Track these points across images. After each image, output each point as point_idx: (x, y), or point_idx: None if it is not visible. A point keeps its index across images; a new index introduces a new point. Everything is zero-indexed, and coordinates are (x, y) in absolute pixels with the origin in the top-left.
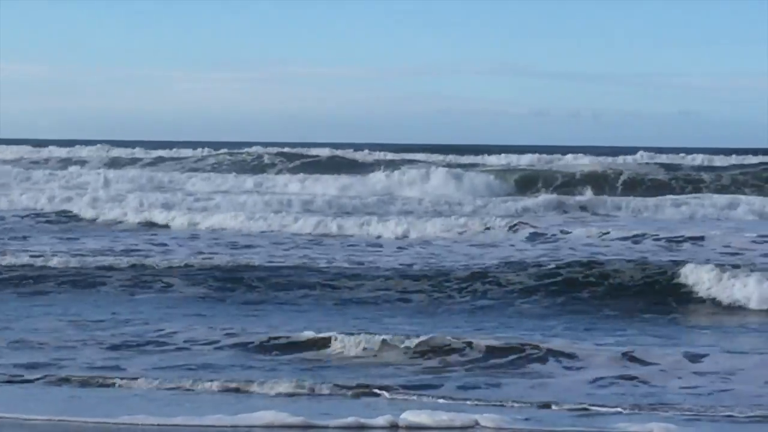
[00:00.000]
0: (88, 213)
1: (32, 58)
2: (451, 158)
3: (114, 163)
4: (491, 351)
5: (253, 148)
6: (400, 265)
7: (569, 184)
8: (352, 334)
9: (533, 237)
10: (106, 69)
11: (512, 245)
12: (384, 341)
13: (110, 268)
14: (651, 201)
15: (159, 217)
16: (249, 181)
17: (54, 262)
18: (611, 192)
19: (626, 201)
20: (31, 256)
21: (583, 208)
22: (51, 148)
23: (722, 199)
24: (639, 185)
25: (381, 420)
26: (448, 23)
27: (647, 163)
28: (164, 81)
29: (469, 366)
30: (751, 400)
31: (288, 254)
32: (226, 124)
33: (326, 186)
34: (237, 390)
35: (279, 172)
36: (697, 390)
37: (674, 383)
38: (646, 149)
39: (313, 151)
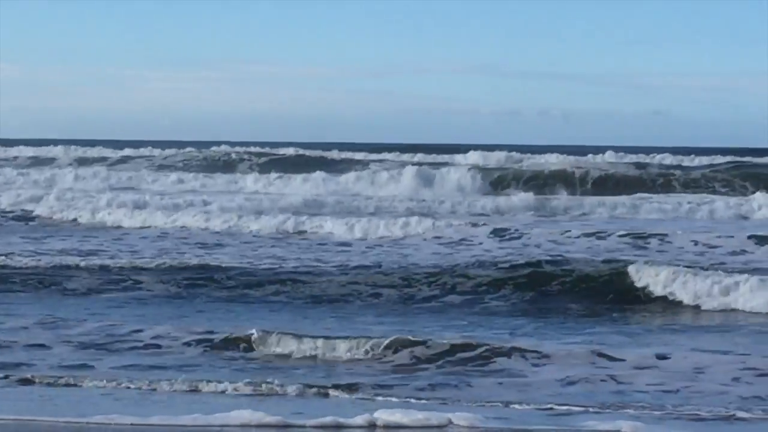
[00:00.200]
0: (55, 212)
1: (1, 58)
2: (421, 157)
3: (82, 163)
4: (460, 350)
5: (221, 147)
6: (370, 263)
7: (538, 182)
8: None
9: (499, 235)
10: (74, 68)
11: (479, 243)
12: (353, 342)
13: (77, 267)
14: (619, 199)
15: (126, 216)
16: (216, 180)
17: (20, 261)
18: (580, 191)
19: (594, 199)
20: None
21: (550, 206)
22: (20, 147)
23: (689, 198)
24: (607, 184)
25: (359, 419)
26: (419, 23)
27: (616, 162)
28: (133, 80)
29: (439, 366)
30: (716, 398)
31: (256, 254)
32: (194, 123)
33: (294, 185)
34: (196, 390)
35: (246, 171)
36: (664, 387)
37: (641, 381)
38: (616, 148)
39: (282, 151)
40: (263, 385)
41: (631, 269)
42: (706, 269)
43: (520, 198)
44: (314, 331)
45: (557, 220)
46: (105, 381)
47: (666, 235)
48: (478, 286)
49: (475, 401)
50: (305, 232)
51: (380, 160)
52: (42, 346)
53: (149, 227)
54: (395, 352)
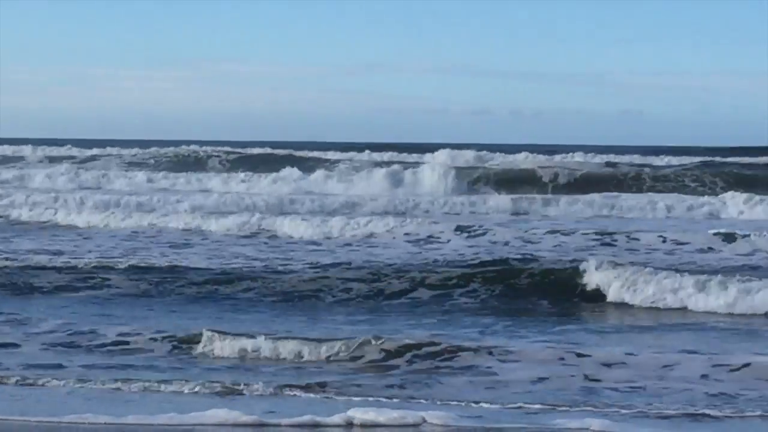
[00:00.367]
0: (23, 212)
1: None
2: (392, 155)
3: (51, 161)
4: (429, 349)
5: (191, 146)
6: (338, 261)
7: (508, 181)
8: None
9: (467, 233)
10: (44, 67)
11: (447, 241)
12: (323, 342)
13: (44, 267)
14: (589, 198)
15: (94, 215)
16: (184, 178)
17: None
18: (550, 189)
19: (563, 198)
20: None
21: (519, 204)
22: None
23: (660, 196)
24: (577, 182)
25: (336, 418)
26: (391, 22)
27: (586, 162)
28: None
29: (408, 365)
30: (685, 396)
31: (223, 253)
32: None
33: (262, 184)
34: (166, 390)
35: (216, 169)
36: (632, 385)
37: (610, 379)
38: (587, 147)
39: (254, 150)
40: (233, 385)
41: (588, 267)
42: (674, 269)
43: (489, 197)
44: (282, 330)
45: (526, 218)
46: (74, 380)
47: (635, 233)
48: (447, 283)
49: (445, 400)
50: (273, 231)
51: (350, 159)
52: (11, 344)
53: (117, 227)
54: (365, 351)
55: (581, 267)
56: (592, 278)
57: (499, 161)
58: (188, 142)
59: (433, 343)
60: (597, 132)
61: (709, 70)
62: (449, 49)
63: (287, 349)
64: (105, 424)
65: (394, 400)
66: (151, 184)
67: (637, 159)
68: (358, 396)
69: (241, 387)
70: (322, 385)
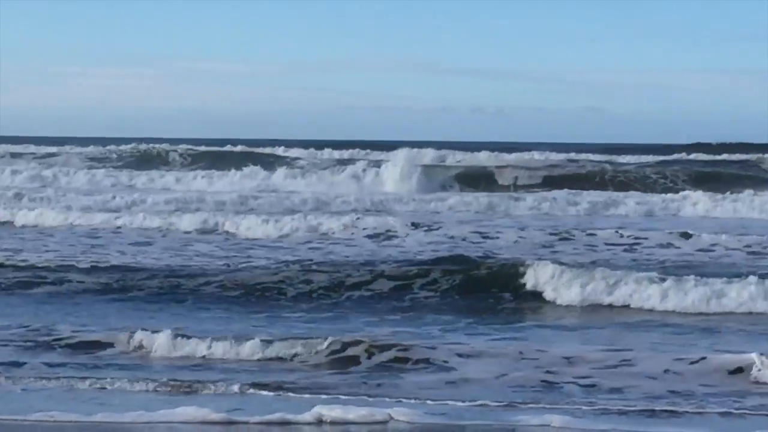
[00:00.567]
0: None
1: None
2: (354, 153)
3: (12, 158)
4: (390, 347)
5: (153, 144)
6: (297, 259)
7: (469, 178)
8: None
9: (425, 230)
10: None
11: (405, 236)
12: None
13: (2, 265)
14: (550, 194)
15: (52, 214)
16: (147, 176)
17: None
18: (512, 186)
19: (524, 195)
20: None
21: (480, 202)
22: None
23: (620, 193)
24: (538, 179)
25: (307, 416)
26: (354, 19)
27: (546, 159)
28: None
29: (370, 363)
30: (645, 392)
31: (181, 252)
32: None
33: (226, 182)
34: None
35: (178, 167)
36: (592, 381)
37: (570, 376)
38: (549, 145)
39: (215, 147)
40: (197, 383)
41: (534, 266)
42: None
43: (450, 194)
44: (243, 328)
45: (487, 215)
46: (33, 378)
47: (594, 229)
48: (407, 279)
49: (409, 397)
50: (231, 229)
51: (312, 157)
52: None
53: (77, 224)
54: (326, 350)
55: (524, 265)
56: (537, 277)
57: (460, 158)
58: (150, 140)
59: (395, 345)
60: (558, 129)
61: (670, 68)
62: (412, 46)
63: (247, 348)
64: (72, 422)
65: (359, 397)
66: (112, 179)
67: (599, 156)
68: (322, 394)
69: (206, 385)
70: (286, 384)
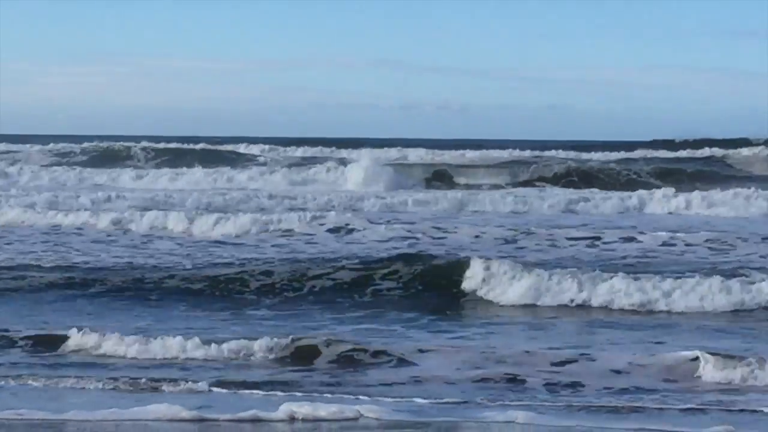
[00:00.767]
0: None
1: None
2: (318, 150)
3: None
4: (354, 345)
5: (115, 142)
6: (260, 257)
7: (433, 175)
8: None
9: (383, 226)
10: None
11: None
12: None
13: None
14: (514, 191)
15: (12, 212)
16: (108, 174)
17: None
18: (474, 184)
19: (487, 192)
20: None
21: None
22: None
23: (584, 191)
24: (503, 176)
25: (279, 413)
26: (320, 16)
27: (510, 158)
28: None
29: (334, 361)
30: (608, 388)
31: (142, 251)
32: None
33: (191, 181)
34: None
35: (142, 165)
36: (556, 378)
37: (534, 372)
38: (514, 142)
39: (180, 145)
40: (166, 382)
41: (474, 264)
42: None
43: (413, 192)
44: (205, 327)
45: (451, 212)
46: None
47: (555, 227)
48: (368, 275)
49: (375, 395)
50: (193, 227)
51: (278, 155)
52: None
53: (36, 223)
54: (290, 348)
55: (469, 263)
56: (487, 274)
57: (424, 156)
58: (113, 138)
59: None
60: (524, 126)
61: (635, 65)
62: (377, 43)
63: (213, 347)
64: (42, 420)
65: (326, 395)
66: (70, 174)
67: (561, 153)
68: (289, 392)
69: (176, 383)
70: (253, 382)
